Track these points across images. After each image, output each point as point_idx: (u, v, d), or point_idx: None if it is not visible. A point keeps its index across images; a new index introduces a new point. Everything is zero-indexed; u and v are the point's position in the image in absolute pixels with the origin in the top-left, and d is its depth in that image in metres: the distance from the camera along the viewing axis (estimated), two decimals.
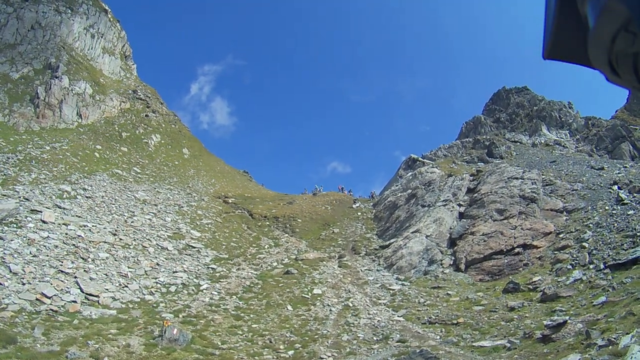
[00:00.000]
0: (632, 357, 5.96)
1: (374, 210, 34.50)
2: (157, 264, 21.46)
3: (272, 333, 15.34)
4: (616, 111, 61.34)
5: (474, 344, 12.31)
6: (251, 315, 17.04)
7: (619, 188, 26.85)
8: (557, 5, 0.79)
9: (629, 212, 22.31)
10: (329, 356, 13.24)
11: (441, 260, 22.26)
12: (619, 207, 23.70)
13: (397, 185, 36.57)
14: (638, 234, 19.32)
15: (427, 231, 24.32)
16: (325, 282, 20.98)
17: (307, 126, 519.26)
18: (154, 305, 17.41)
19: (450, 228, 24.79)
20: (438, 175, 32.22)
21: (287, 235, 30.61)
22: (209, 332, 15.22)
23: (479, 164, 39.08)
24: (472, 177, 31.52)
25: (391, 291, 19.34)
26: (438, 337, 13.75)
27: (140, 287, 19.03)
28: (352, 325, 15.80)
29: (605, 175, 31.52)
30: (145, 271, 20.50)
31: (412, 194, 30.54)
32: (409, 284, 20.54)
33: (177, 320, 15.85)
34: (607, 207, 24.29)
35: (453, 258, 22.42)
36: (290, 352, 13.76)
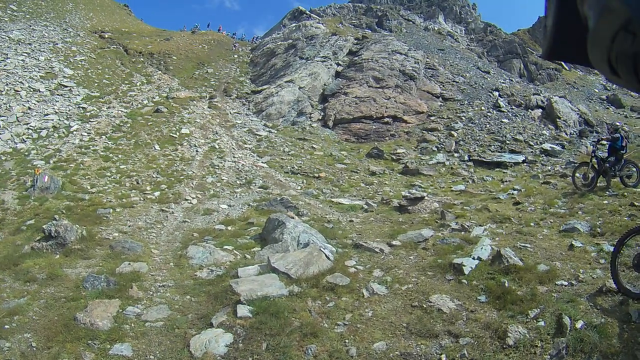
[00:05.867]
0: (482, 247, 6.20)
1: (251, 55, 32.51)
2: (29, 108, 19.96)
3: (140, 174, 15.07)
4: (518, 30, 59.39)
5: (333, 199, 11.96)
6: (120, 156, 16.49)
7: (500, 96, 26.23)
8: (557, 5, 0.78)
9: (503, 120, 22.14)
10: (193, 197, 13.14)
11: (310, 114, 21.62)
12: (494, 112, 23.31)
13: (278, 34, 34.10)
14: (507, 141, 19.25)
15: (301, 83, 23.19)
16: (194, 122, 20.31)
17: None
18: (26, 153, 16.50)
19: (325, 84, 23.77)
20: (322, 32, 30.16)
21: (160, 72, 28.57)
22: (78, 176, 14.78)
23: (366, 30, 36.52)
24: (356, 41, 29.75)
25: (258, 137, 18.80)
26: (299, 187, 13.34)
27: (12, 135, 18.25)
28: (217, 167, 15.77)
29: (489, 79, 30.40)
30: (17, 117, 19.46)
31: (292, 45, 28.67)
32: (275, 131, 19.81)
33: (48, 167, 15.16)
34: (483, 108, 23.86)
35: (322, 114, 21.78)
36: (157, 194, 13.58)
